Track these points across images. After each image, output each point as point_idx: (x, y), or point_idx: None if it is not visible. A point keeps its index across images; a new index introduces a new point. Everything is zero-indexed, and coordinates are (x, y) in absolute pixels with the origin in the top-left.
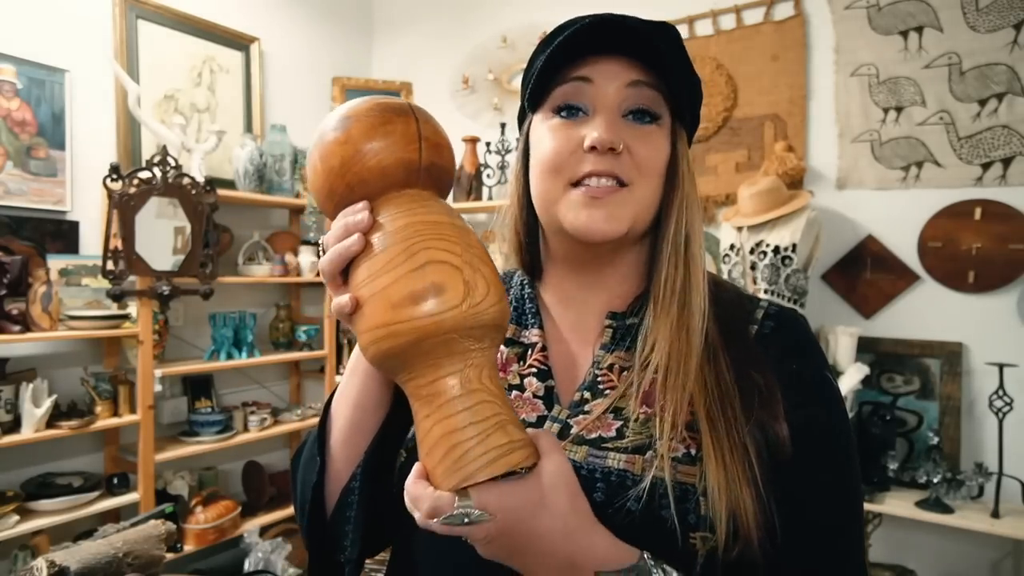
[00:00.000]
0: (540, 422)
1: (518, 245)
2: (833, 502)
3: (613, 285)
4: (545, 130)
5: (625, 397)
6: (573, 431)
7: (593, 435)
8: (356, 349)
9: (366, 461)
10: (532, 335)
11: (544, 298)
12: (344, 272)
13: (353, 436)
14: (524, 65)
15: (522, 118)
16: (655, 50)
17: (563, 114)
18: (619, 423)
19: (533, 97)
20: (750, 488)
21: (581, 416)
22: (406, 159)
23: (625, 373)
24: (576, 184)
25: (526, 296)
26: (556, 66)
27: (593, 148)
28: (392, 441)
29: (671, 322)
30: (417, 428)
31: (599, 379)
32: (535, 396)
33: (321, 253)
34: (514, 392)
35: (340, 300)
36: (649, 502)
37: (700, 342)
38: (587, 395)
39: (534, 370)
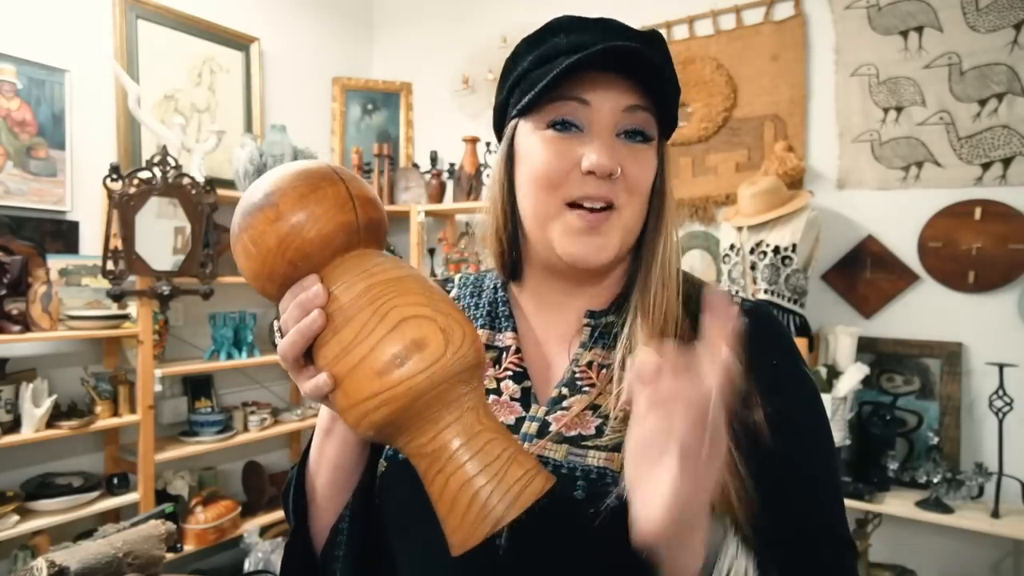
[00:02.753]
0: (518, 424)
1: (500, 250)
2: (816, 484)
3: (593, 292)
4: (537, 141)
5: (604, 395)
6: (552, 428)
7: (573, 433)
8: (324, 410)
9: (354, 503)
10: (506, 338)
11: (519, 300)
12: (307, 353)
13: (337, 494)
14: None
15: (501, 115)
16: (653, 74)
17: (557, 127)
18: (599, 421)
19: (525, 107)
20: (732, 478)
21: (560, 412)
22: (344, 222)
23: (604, 371)
24: (571, 204)
25: (499, 300)
26: (552, 79)
27: (591, 172)
28: (372, 467)
29: (656, 333)
30: (430, 487)
31: (578, 376)
32: (512, 399)
33: (278, 338)
34: (491, 396)
35: (316, 382)
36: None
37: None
38: (565, 391)
39: (509, 373)
